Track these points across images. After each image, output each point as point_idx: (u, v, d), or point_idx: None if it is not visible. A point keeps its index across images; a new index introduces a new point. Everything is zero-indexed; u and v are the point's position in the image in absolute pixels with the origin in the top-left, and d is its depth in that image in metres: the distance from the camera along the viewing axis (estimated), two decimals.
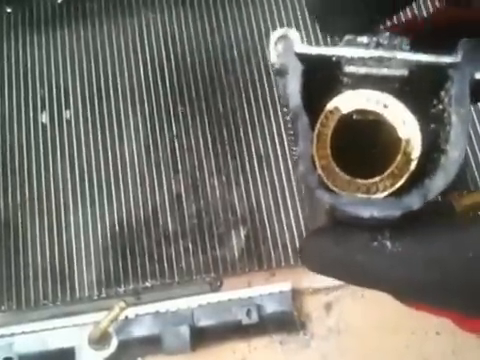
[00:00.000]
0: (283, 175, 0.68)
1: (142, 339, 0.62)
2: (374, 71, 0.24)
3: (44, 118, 0.72)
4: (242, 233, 0.66)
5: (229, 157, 0.69)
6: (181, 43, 0.74)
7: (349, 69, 0.24)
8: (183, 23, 0.75)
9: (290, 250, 0.65)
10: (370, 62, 0.23)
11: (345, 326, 0.64)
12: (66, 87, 0.73)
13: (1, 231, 0.67)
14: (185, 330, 0.62)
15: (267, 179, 0.68)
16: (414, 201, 0.22)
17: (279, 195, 0.67)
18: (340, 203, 0.23)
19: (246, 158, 0.69)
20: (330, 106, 0.24)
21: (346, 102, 0.24)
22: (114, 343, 0.62)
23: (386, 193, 0.23)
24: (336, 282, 0.64)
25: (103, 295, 0.65)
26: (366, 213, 0.23)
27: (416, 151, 0.23)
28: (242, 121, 0.70)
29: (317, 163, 0.24)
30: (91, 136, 0.71)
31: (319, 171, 0.23)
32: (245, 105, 0.71)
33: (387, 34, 0.23)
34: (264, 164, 0.68)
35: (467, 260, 0.22)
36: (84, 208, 0.68)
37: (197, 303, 0.63)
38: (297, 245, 0.65)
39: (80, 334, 0.62)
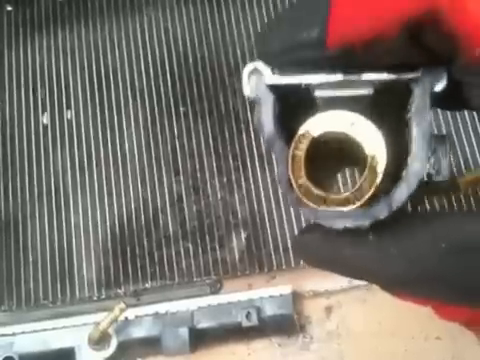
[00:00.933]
0: None
1: (142, 340, 0.63)
2: (341, 93, 0.26)
3: (45, 118, 0.73)
4: (243, 235, 0.67)
5: (230, 158, 0.70)
6: (183, 43, 0.75)
7: (318, 93, 0.27)
8: (185, 23, 0.76)
9: (291, 253, 0.66)
10: (337, 85, 0.26)
11: (345, 330, 0.64)
12: (67, 86, 0.74)
13: (2, 232, 0.68)
14: (184, 332, 0.63)
15: (268, 181, 0.69)
16: (381, 211, 0.25)
17: (280, 197, 0.68)
18: (317, 217, 0.25)
19: (247, 159, 0.69)
20: (302, 130, 0.26)
21: (316, 125, 0.26)
22: (114, 344, 0.63)
23: (358, 204, 0.25)
24: (337, 286, 0.65)
25: (103, 296, 0.66)
26: (339, 225, 0.25)
27: (381, 165, 0.25)
28: (244, 122, 0.71)
29: (294, 183, 0.26)
30: (92, 137, 0.72)
31: (296, 190, 0.26)
32: (247, 106, 0.71)
33: None
34: (265, 166, 0.69)
35: (441, 251, 0.24)
36: (85, 209, 0.69)
37: (197, 305, 0.64)
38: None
39: (80, 334, 0.63)
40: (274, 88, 0.27)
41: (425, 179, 0.35)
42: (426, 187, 0.34)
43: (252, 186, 0.68)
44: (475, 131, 0.68)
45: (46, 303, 0.65)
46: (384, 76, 0.25)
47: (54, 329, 0.64)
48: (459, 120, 0.68)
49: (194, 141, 0.71)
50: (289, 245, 0.66)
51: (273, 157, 0.23)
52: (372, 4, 0.25)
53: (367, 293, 0.65)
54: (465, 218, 0.25)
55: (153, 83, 0.74)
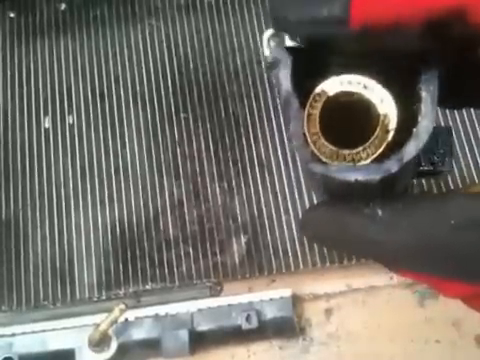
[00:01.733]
0: (284, 181, 0.70)
1: (141, 342, 0.64)
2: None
3: (47, 123, 0.74)
4: (243, 239, 0.68)
5: (231, 163, 0.71)
6: (184, 50, 0.77)
7: (334, 58, 0.28)
8: (186, 30, 0.78)
9: (291, 256, 0.67)
10: None
11: (345, 332, 0.65)
12: (69, 92, 0.75)
13: (3, 233, 0.69)
14: (184, 334, 0.63)
15: (268, 185, 0.70)
16: (392, 165, 0.26)
17: (280, 201, 0.69)
18: (329, 171, 0.27)
19: (248, 164, 0.71)
20: (318, 90, 0.28)
21: (331, 85, 0.28)
22: (114, 345, 0.63)
23: (369, 160, 0.26)
24: (337, 289, 0.66)
25: (103, 297, 0.67)
26: (351, 177, 0.26)
27: (392, 123, 0.26)
28: (244, 127, 0.72)
29: (308, 139, 0.28)
30: (93, 141, 0.73)
31: (311, 146, 0.27)
32: (247, 112, 0.73)
33: None
34: (265, 170, 0.70)
35: (449, 227, 0.25)
36: (85, 211, 0.70)
37: (197, 307, 0.65)
38: (298, 252, 0.67)
39: (80, 336, 0.63)
40: (292, 50, 0.29)
41: (430, 168, 0.36)
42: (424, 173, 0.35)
43: (252, 191, 0.70)
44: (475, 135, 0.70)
45: (46, 304, 0.66)
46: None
47: (54, 330, 0.64)
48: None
49: (195, 146, 0.72)
50: (289, 249, 0.67)
51: (287, 116, 0.24)
52: None
53: (367, 296, 0.66)
54: (474, 197, 0.26)
55: (154, 89, 0.75)
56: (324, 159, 0.27)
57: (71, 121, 0.74)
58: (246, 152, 0.71)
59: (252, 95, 0.74)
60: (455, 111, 0.68)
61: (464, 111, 0.69)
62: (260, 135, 0.72)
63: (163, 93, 0.75)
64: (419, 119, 0.26)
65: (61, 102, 0.75)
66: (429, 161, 0.35)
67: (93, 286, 0.67)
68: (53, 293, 0.66)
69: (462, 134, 0.70)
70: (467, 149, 0.69)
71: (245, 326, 0.64)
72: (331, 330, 0.65)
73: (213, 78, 0.75)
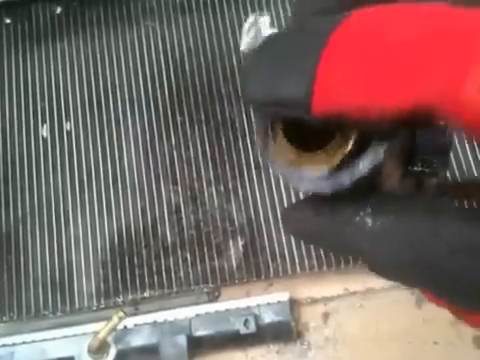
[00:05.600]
0: (281, 185, 0.71)
1: (140, 349, 0.66)
2: None
3: (44, 131, 0.75)
4: (240, 243, 0.69)
5: (227, 166, 0.72)
6: (180, 52, 0.78)
7: None
8: (182, 32, 0.79)
9: (288, 260, 0.68)
10: None
11: (343, 336, 0.66)
12: (66, 98, 0.77)
13: (2, 243, 0.71)
14: (182, 340, 0.65)
15: (265, 189, 0.71)
16: (344, 179, 0.26)
17: (277, 205, 0.70)
18: (284, 178, 0.27)
19: (244, 167, 0.72)
20: None
21: None
22: (113, 352, 0.65)
23: (326, 169, 0.26)
24: (334, 292, 0.67)
25: (102, 305, 0.69)
26: (303, 188, 0.27)
27: (353, 137, 0.26)
28: (241, 130, 0.74)
29: (272, 140, 0.28)
30: (91, 147, 0.75)
31: (272, 144, 0.28)
32: (243, 114, 0.74)
33: None
34: (262, 174, 0.72)
35: (443, 247, 0.24)
36: (83, 219, 0.72)
37: (195, 313, 0.67)
38: (295, 255, 0.68)
39: (79, 344, 0.66)
40: None
41: (424, 169, 0.35)
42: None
43: (249, 194, 0.71)
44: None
45: (46, 313, 0.68)
46: None
47: (54, 339, 0.66)
48: None
49: (191, 150, 0.73)
50: (286, 252, 0.68)
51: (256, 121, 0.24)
52: (363, 79, 0.24)
53: (364, 299, 0.67)
54: (470, 218, 0.25)
55: (150, 92, 0.76)
56: (287, 162, 0.27)
57: (69, 128, 0.76)
58: (243, 155, 0.73)
59: None
60: None
61: None
62: (255, 139, 0.73)
63: (159, 96, 0.76)
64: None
65: (58, 109, 0.77)
66: (423, 162, 0.33)
67: (92, 295, 0.69)
68: (53, 303, 0.69)
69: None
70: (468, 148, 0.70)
71: (243, 331, 0.65)
72: (329, 334, 0.67)
73: (209, 80, 0.76)
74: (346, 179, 0.26)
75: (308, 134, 0.26)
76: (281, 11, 0.76)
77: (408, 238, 0.25)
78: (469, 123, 0.22)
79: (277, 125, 0.27)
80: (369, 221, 0.26)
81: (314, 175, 0.26)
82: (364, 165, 0.26)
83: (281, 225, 0.67)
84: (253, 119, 0.73)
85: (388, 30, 0.24)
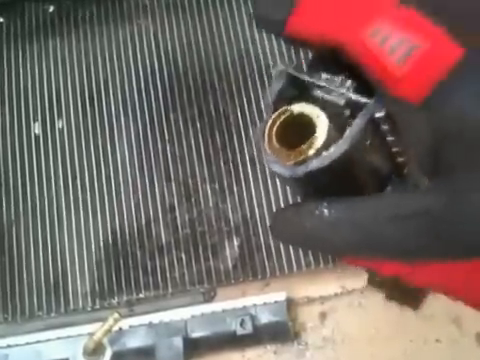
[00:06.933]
0: (277, 182, 0.70)
1: (136, 350, 0.66)
2: (327, 97, 0.35)
3: (37, 129, 0.75)
4: (235, 243, 0.68)
5: (222, 164, 0.72)
6: (173, 49, 0.77)
7: (313, 92, 0.36)
8: (175, 29, 0.78)
9: (284, 259, 0.68)
10: (325, 91, 0.35)
11: (341, 335, 0.66)
12: (58, 96, 0.77)
13: None
14: (178, 341, 0.65)
15: (261, 186, 0.70)
16: (298, 171, 0.33)
17: (273, 203, 0.70)
18: (268, 161, 0.34)
19: (239, 164, 0.71)
20: (287, 107, 0.35)
21: (297, 108, 0.34)
22: (108, 354, 0.65)
23: (293, 161, 0.33)
24: (331, 291, 0.67)
25: (97, 307, 0.68)
26: (274, 169, 0.34)
27: (321, 138, 0.33)
28: (235, 127, 0.73)
29: (266, 137, 0.34)
30: (83, 145, 0.74)
31: (266, 139, 0.34)
32: (238, 111, 0.74)
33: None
34: (258, 171, 0.71)
35: (382, 221, 0.31)
36: (77, 219, 0.71)
37: (190, 314, 0.66)
38: (291, 254, 0.67)
39: (74, 345, 0.66)
40: (287, 75, 0.36)
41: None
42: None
43: (244, 192, 0.70)
44: None
45: (41, 315, 0.68)
46: (351, 95, 0.34)
47: (48, 340, 0.66)
48: None
49: (185, 147, 0.73)
50: (282, 251, 0.68)
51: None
52: (319, 14, 0.33)
53: (362, 297, 0.67)
54: (402, 195, 0.32)
55: (143, 89, 0.76)
56: (274, 156, 0.34)
57: (61, 126, 0.75)
58: (237, 151, 0.72)
59: (242, 93, 0.74)
60: None
61: None
62: (252, 133, 0.72)
63: (152, 93, 0.76)
64: (339, 141, 0.32)
65: (50, 106, 0.76)
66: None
67: (87, 296, 0.69)
68: (47, 304, 0.68)
69: None
70: None
71: (239, 331, 0.65)
72: (327, 334, 0.66)
73: (203, 76, 0.76)
74: (299, 171, 0.33)
75: (293, 137, 0.34)
76: None
77: (354, 220, 0.31)
78: (362, 60, 0.31)
79: (271, 130, 0.34)
80: (325, 212, 0.32)
81: (284, 164, 0.33)
82: (312, 165, 0.32)
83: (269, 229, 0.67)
84: (248, 117, 0.73)
85: None
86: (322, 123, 0.33)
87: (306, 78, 0.36)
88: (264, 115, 0.36)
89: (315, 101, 0.35)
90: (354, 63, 0.32)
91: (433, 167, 0.31)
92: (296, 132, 0.34)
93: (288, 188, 0.67)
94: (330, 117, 0.33)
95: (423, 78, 0.29)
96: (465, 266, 0.29)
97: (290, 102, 0.35)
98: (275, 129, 0.34)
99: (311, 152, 0.32)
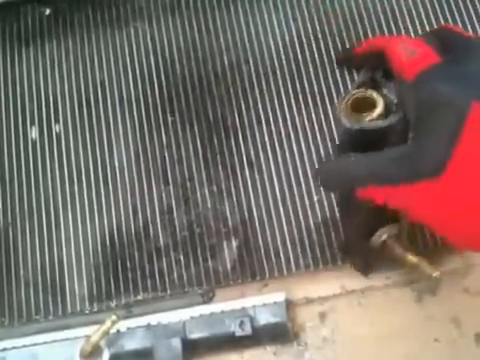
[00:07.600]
0: (275, 184, 0.70)
1: (134, 352, 0.65)
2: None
3: (34, 133, 0.75)
4: (234, 244, 0.69)
5: (220, 166, 0.72)
6: (170, 52, 0.78)
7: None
8: (172, 32, 0.79)
9: (283, 260, 0.68)
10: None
11: (340, 336, 0.66)
12: (55, 100, 0.77)
13: None
14: (177, 342, 0.64)
15: (259, 188, 0.71)
16: (357, 125, 0.50)
17: (271, 204, 0.70)
18: (350, 122, 0.50)
19: (237, 167, 0.72)
20: (359, 90, 0.52)
21: (366, 91, 0.52)
22: (106, 356, 0.65)
23: (368, 118, 0.50)
24: (330, 291, 0.67)
25: (95, 309, 0.68)
26: (348, 125, 0.50)
27: (376, 113, 0.50)
28: (233, 129, 0.73)
29: (344, 105, 0.52)
30: (81, 149, 0.74)
31: (348, 107, 0.51)
32: (235, 113, 0.74)
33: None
34: (256, 173, 0.71)
35: (381, 160, 0.47)
36: (74, 222, 0.71)
37: (189, 315, 0.66)
38: (290, 254, 0.68)
39: (72, 348, 0.65)
40: (367, 73, 0.55)
41: None
42: None
43: (242, 193, 0.71)
44: None
45: (38, 318, 0.68)
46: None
47: (45, 343, 0.66)
48: None
49: (183, 150, 0.73)
50: (281, 252, 0.68)
51: None
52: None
53: (362, 297, 0.67)
54: (393, 148, 0.48)
55: (141, 92, 0.76)
56: (350, 119, 0.50)
57: (58, 130, 0.75)
58: (235, 154, 0.72)
59: (240, 95, 0.74)
60: None
61: None
62: (250, 137, 0.73)
63: (150, 96, 0.76)
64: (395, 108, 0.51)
65: (47, 110, 0.77)
66: None
67: (84, 298, 0.68)
68: (45, 307, 0.68)
69: None
70: None
71: (238, 333, 0.65)
72: (326, 334, 0.66)
73: (200, 79, 0.76)
74: (357, 125, 0.50)
75: (361, 108, 0.51)
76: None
77: (367, 163, 0.48)
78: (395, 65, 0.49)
79: (349, 100, 0.51)
80: (352, 157, 0.49)
81: (350, 120, 0.50)
82: (371, 124, 0.50)
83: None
84: (246, 120, 0.73)
85: None
86: (380, 104, 0.50)
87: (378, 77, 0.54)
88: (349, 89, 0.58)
89: (379, 91, 0.52)
90: (389, 62, 0.50)
91: (415, 124, 0.45)
92: (363, 106, 0.51)
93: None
94: (385, 102, 0.50)
95: (415, 67, 0.46)
96: (417, 187, 0.44)
97: (366, 89, 0.52)
98: (352, 100, 0.51)
99: (368, 118, 0.50)
